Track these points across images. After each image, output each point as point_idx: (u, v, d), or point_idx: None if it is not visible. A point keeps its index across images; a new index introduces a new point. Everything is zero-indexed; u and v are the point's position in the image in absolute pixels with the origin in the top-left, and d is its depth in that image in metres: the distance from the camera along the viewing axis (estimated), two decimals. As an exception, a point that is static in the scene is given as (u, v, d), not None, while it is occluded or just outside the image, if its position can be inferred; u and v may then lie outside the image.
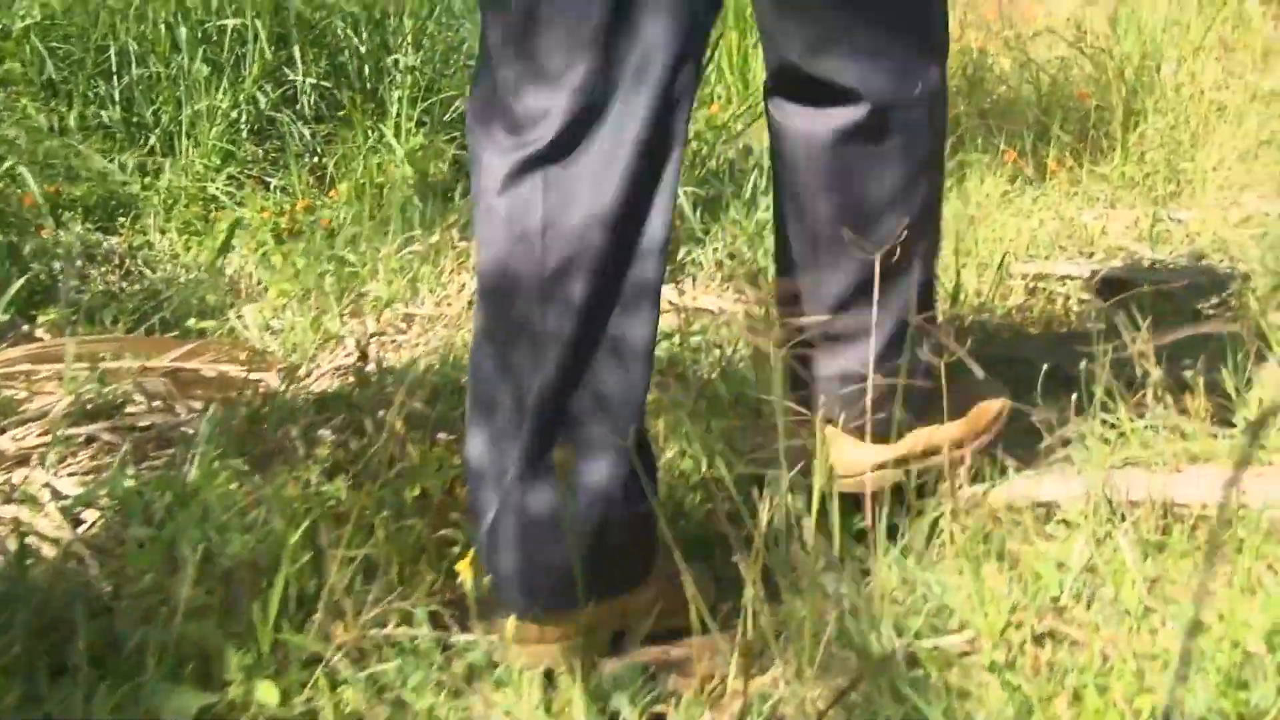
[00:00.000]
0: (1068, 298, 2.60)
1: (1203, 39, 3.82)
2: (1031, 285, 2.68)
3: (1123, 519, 1.47)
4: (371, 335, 2.57)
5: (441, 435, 1.72)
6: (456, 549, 1.52)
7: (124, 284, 4.07)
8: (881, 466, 1.60)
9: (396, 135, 5.36)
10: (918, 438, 1.63)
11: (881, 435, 1.57)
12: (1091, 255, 2.88)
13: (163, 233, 4.82)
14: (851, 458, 1.60)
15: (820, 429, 1.46)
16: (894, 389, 1.51)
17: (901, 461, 1.59)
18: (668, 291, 2.79)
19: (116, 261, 4.41)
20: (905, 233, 1.49)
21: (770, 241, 2.34)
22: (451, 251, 2.88)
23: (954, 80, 4.36)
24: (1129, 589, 1.24)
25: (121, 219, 4.90)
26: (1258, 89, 3.66)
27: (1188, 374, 2.07)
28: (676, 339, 2.54)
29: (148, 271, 4.25)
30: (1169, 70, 3.61)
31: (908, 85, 1.46)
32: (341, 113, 5.48)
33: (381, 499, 1.52)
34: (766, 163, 3.97)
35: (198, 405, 2.05)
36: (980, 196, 3.51)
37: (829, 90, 1.47)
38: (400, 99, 5.51)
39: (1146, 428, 1.82)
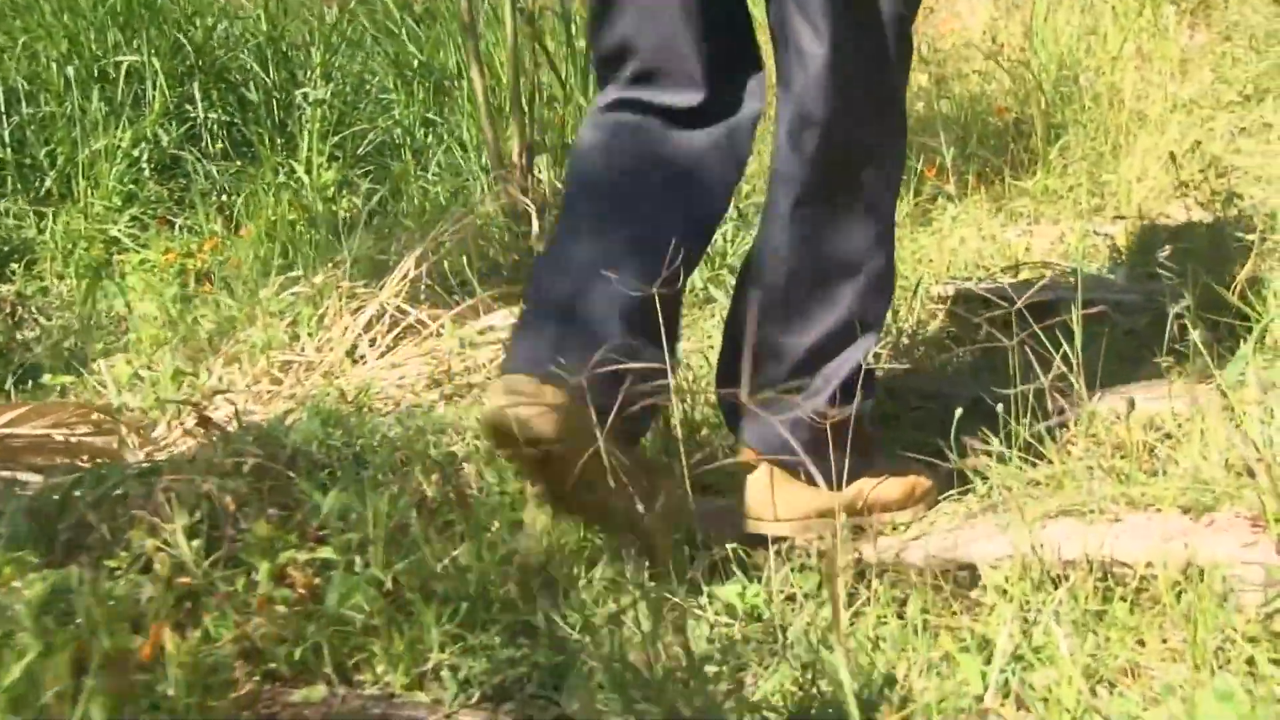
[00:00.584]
0: (990, 321, 2.39)
1: (1120, 49, 3.64)
2: (951, 309, 2.46)
3: (1055, 585, 1.25)
4: (245, 386, 2.31)
5: (274, 511, 1.46)
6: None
7: (19, 333, 3.77)
8: (824, 513, 1.57)
9: (308, 171, 5.11)
10: (860, 488, 1.64)
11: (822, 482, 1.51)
12: (1016, 274, 2.67)
13: (60, 278, 4.52)
14: (794, 499, 1.59)
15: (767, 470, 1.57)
16: (839, 436, 1.49)
17: (847, 509, 1.57)
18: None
19: (7, 310, 4.10)
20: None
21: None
22: (336, 291, 2.61)
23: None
24: (1066, 685, 1.01)
25: (15, 265, 4.59)
26: (1177, 98, 3.49)
27: (1121, 404, 1.86)
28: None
29: (42, 320, 3.96)
30: (1087, 81, 3.43)
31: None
32: (250, 149, 5.23)
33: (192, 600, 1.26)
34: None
35: (24, 476, 1.79)
36: (898, 216, 3.29)
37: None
38: (310, 133, 5.24)
39: (1079, 469, 1.61)
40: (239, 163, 5.24)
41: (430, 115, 5.34)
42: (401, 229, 3.12)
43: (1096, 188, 3.10)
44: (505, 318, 2.60)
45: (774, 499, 1.57)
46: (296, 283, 2.78)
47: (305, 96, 5.42)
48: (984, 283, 2.62)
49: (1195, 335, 2.14)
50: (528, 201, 2.84)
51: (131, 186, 4.98)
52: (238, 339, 2.52)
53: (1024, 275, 2.68)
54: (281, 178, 4.96)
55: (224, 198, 5.20)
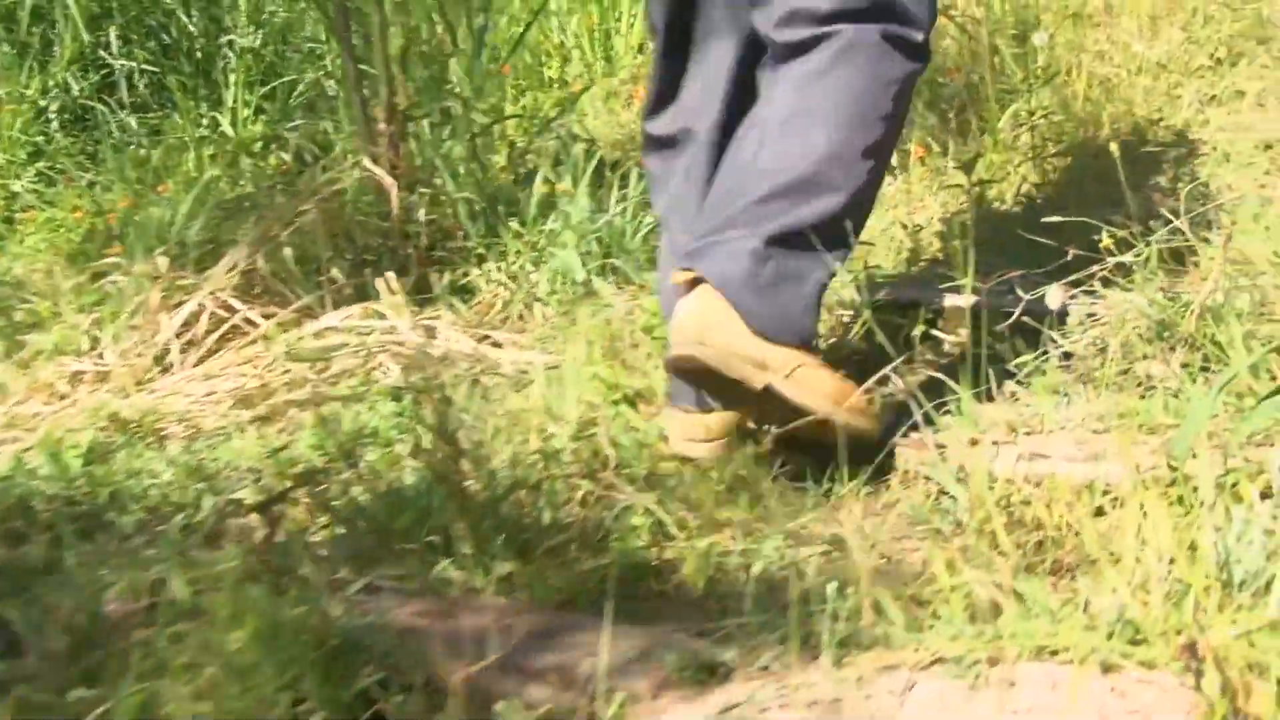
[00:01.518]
0: (912, 330, 1.94)
1: (1084, 3, 3.15)
2: (863, 319, 2.00)
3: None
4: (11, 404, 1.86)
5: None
6: None
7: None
8: (748, 360, 1.47)
9: (233, 124, 4.61)
10: (799, 359, 1.52)
11: None
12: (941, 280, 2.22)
13: (-46, 238, 4.06)
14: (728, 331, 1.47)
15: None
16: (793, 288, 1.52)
17: (775, 368, 1.48)
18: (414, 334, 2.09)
19: (-111, 275, 3.61)
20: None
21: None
22: (155, 283, 2.15)
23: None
24: None
25: (-96, 223, 4.13)
26: (1144, 60, 3.00)
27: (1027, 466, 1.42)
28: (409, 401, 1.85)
29: (-70, 285, 3.49)
30: (1042, 40, 2.93)
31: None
32: (171, 100, 4.74)
33: None
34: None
35: None
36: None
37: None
38: (236, 83, 4.74)
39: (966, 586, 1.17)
40: (160, 113, 4.77)
41: (365, 67, 4.85)
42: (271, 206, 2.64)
43: (1039, 172, 2.63)
44: (349, 316, 2.14)
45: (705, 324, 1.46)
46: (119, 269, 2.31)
47: (231, 44, 4.91)
48: (908, 282, 2.16)
49: (1150, 369, 1.69)
50: (384, 175, 2.36)
51: (38, 139, 4.51)
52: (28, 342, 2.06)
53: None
54: (204, 130, 4.49)
55: (141, 152, 4.71)
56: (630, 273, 2.40)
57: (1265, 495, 1.26)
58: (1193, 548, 1.17)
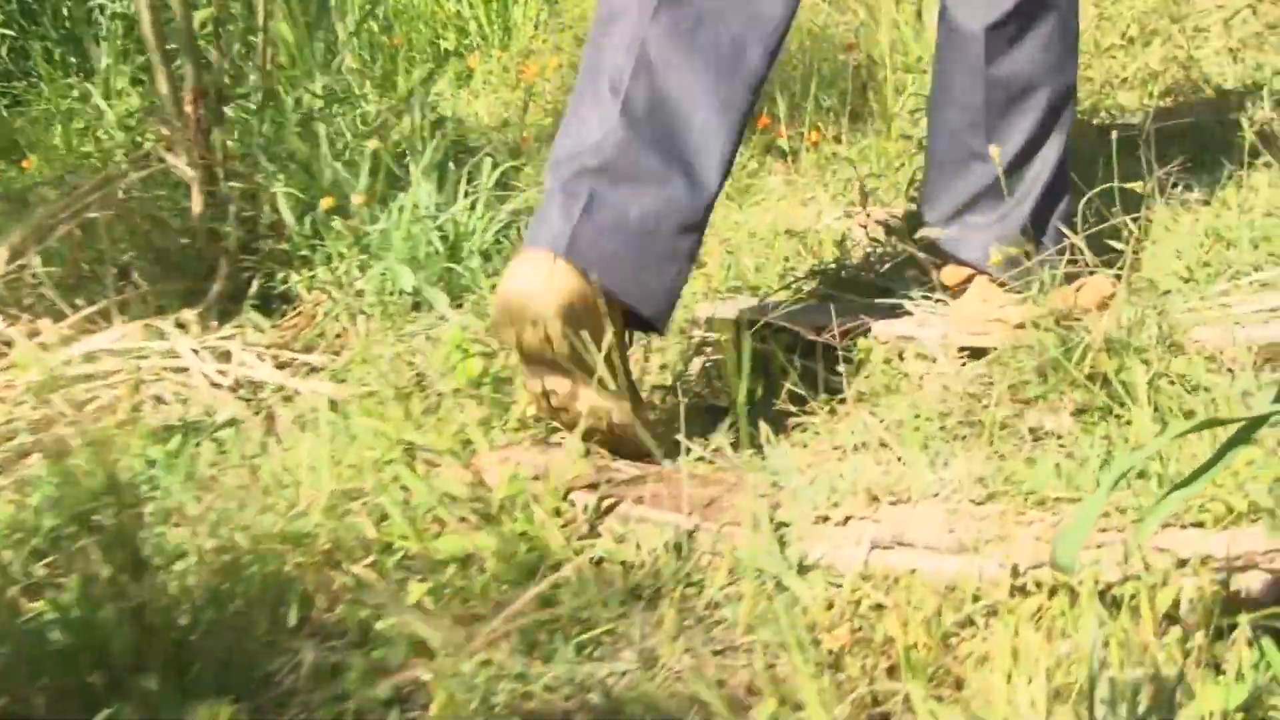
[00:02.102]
0: (770, 361, 1.62)
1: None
2: (712, 346, 1.67)
3: None
4: None
5: None
6: None
7: None
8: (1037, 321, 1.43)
9: (105, 97, 4.17)
10: (1064, 294, 1.51)
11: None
12: (819, 280, 1.90)
13: None
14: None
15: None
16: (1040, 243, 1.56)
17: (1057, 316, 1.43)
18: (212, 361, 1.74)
19: None
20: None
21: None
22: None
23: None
24: None
25: None
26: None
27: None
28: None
29: None
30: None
31: None
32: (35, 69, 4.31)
33: None
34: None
35: None
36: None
37: None
38: (110, 52, 4.30)
39: None
40: (23, 83, 4.34)
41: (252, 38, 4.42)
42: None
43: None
44: (124, 336, 1.77)
45: (985, 309, 1.52)
46: None
47: (102, 9, 4.46)
48: (779, 300, 1.83)
49: (1043, 419, 1.39)
50: (183, 167, 1.99)
51: (-127, 109, 4.08)
52: None
53: (831, 279, 1.91)
54: (73, 103, 4.06)
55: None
56: (474, 279, 2.06)
57: (1171, 617, 0.96)
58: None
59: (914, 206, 2.18)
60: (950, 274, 1.65)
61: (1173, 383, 1.37)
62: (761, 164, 2.70)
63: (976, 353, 1.53)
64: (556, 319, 1.25)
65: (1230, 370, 1.38)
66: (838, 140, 2.65)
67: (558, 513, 1.21)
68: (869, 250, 1.97)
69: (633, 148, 1.33)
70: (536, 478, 1.26)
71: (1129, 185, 1.54)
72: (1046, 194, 1.60)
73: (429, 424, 1.37)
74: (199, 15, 2.03)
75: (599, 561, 1.18)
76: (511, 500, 1.21)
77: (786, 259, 1.99)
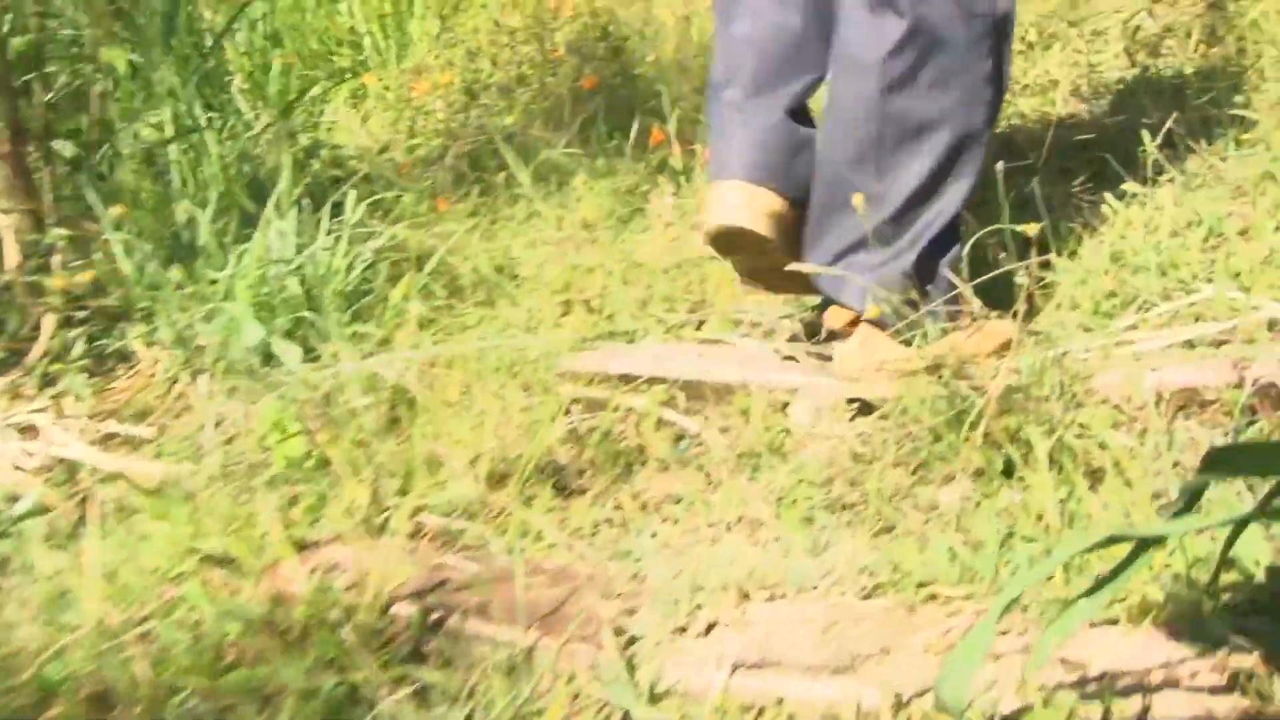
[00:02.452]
0: (631, 418, 1.43)
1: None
2: (580, 404, 1.49)
3: None
4: None
5: None
6: None
7: None
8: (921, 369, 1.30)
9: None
10: (953, 342, 1.36)
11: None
12: (701, 322, 1.72)
13: None
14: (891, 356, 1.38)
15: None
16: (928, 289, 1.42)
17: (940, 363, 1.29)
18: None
19: None
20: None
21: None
22: None
23: (587, 46, 3.15)
24: None
25: None
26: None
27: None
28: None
29: None
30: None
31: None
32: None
33: None
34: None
35: None
36: (597, 211, 2.31)
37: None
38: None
39: None
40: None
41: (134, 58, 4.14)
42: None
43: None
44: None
45: (868, 358, 1.40)
46: None
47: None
48: (645, 349, 1.65)
49: (937, 495, 1.21)
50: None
51: None
52: None
53: (721, 318, 1.73)
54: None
55: None
56: (332, 328, 1.85)
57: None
58: None
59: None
60: (835, 316, 1.48)
61: (1078, 436, 1.21)
62: (653, 184, 2.51)
63: (865, 406, 1.36)
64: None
65: (1137, 420, 1.22)
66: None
67: (375, 632, 1.01)
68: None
69: None
70: (352, 587, 1.06)
71: (1021, 227, 1.37)
72: (937, 240, 1.44)
73: (239, 518, 1.16)
74: (15, 43, 1.79)
75: (421, 691, 0.99)
76: (319, 618, 1.01)
77: (667, 298, 1.80)
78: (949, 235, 1.44)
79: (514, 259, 2.13)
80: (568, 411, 1.51)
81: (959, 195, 1.44)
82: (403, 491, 1.25)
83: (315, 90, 3.95)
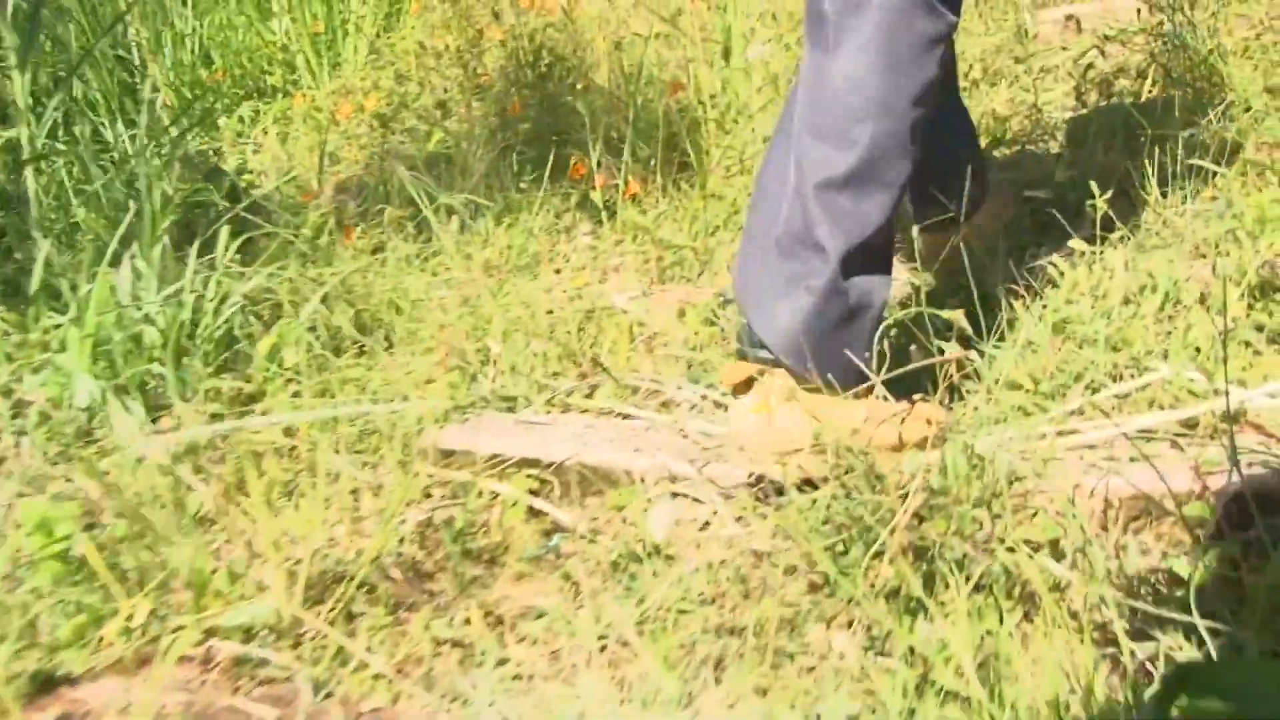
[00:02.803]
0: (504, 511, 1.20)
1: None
2: (443, 490, 1.25)
3: None
4: None
5: None
6: None
7: None
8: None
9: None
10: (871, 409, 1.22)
11: None
12: (592, 386, 1.49)
13: None
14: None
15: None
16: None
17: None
18: None
19: None
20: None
21: None
22: None
23: (515, 71, 2.92)
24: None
25: None
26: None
27: None
28: None
29: None
30: (758, 52, 2.24)
31: None
32: None
33: None
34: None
35: None
36: (504, 252, 2.08)
37: None
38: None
39: None
40: None
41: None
42: None
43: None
44: None
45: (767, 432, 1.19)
46: None
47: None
48: (528, 420, 1.42)
49: (833, 640, 0.99)
50: None
51: None
52: None
53: (616, 388, 1.50)
54: None
55: None
56: (190, 383, 1.61)
57: None
58: None
59: (717, 287, 1.79)
60: (732, 372, 1.25)
61: (1010, 550, 0.99)
62: (574, 220, 2.29)
63: (759, 480, 1.14)
64: None
65: (1084, 532, 1.01)
66: (657, 193, 2.26)
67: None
68: (656, 342, 1.57)
69: None
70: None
71: (946, 314, 1.16)
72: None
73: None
74: None
75: None
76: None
77: (561, 357, 1.57)
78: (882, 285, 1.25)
79: (411, 302, 1.90)
80: (428, 495, 1.28)
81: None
82: (197, 608, 1.01)
83: (243, 109, 3.73)
